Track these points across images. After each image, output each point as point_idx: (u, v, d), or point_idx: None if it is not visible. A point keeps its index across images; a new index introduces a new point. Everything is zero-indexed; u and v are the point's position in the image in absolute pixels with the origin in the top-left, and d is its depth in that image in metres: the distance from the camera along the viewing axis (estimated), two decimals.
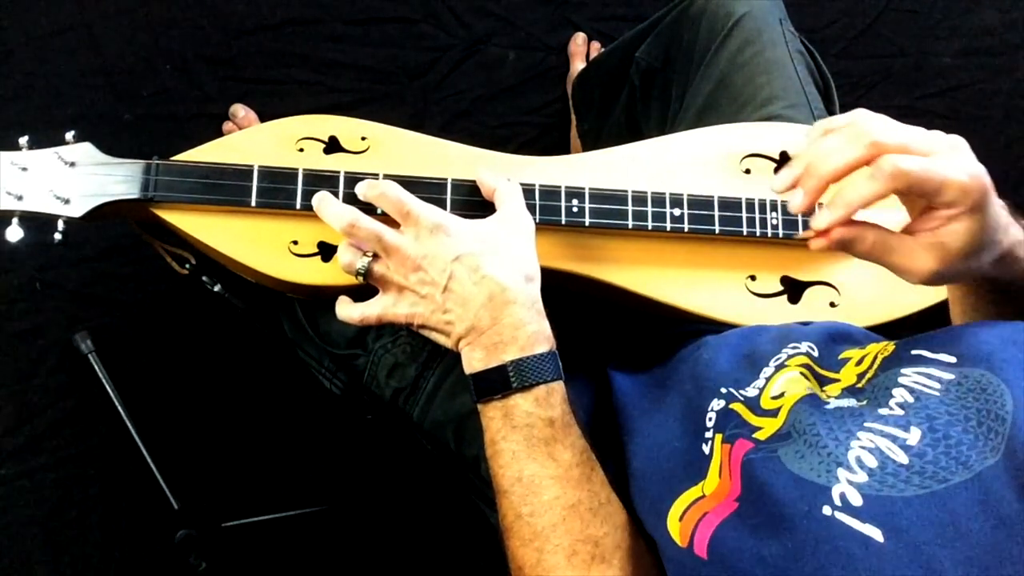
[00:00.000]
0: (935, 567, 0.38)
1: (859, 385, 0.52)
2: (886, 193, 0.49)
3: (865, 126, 0.50)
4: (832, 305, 0.79)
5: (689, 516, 0.50)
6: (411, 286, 0.64)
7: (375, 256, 0.66)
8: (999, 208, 0.51)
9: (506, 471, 0.59)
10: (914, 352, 0.50)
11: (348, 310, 0.68)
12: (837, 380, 0.55)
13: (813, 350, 0.60)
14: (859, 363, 0.55)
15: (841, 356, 0.59)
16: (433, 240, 0.64)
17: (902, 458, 0.43)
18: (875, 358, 0.53)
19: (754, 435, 0.51)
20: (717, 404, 0.57)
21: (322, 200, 0.69)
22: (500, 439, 0.60)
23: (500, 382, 0.61)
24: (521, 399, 0.60)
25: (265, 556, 1.17)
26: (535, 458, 0.59)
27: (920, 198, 0.50)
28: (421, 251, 0.64)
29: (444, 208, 0.73)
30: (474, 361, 0.62)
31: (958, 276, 0.52)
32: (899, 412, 0.46)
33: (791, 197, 0.51)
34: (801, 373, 0.55)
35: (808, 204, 0.51)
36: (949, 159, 0.50)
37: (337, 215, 0.67)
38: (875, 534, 0.40)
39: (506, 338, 0.61)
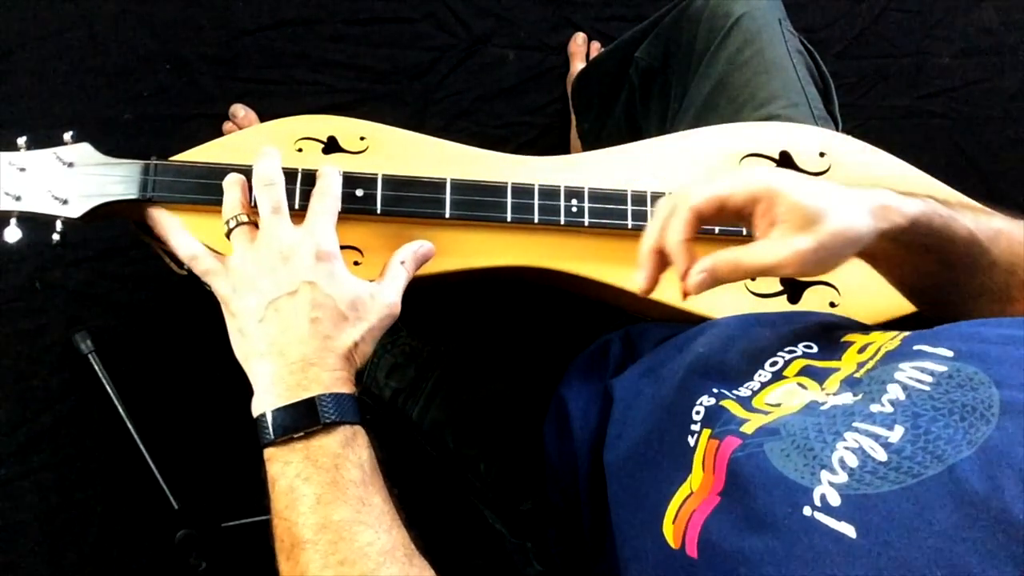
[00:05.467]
0: (903, 559, 0.38)
1: (857, 375, 0.52)
2: (687, 224, 0.55)
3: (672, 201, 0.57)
4: (832, 305, 0.79)
5: (681, 516, 0.50)
6: (252, 270, 0.61)
7: (254, 224, 0.63)
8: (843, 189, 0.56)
9: (308, 519, 0.53)
10: (916, 347, 0.51)
11: (182, 235, 0.66)
12: (837, 369, 0.55)
13: (811, 347, 0.59)
14: (861, 351, 0.55)
15: (844, 339, 0.58)
16: (307, 245, 0.61)
17: (881, 456, 0.43)
18: (878, 349, 0.54)
19: (742, 428, 0.51)
20: (707, 400, 0.57)
21: (263, 154, 0.66)
22: (301, 483, 0.55)
23: (306, 417, 0.56)
24: (328, 439, 0.56)
25: (265, 556, 1.17)
26: (346, 501, 0.54)
27: (735, 218, 0.56)
28: (288, 242, 0.61)
29: (444, 207, 0.73)
30: (273, 396, 0.57)
31: (844, 244, 0.54)
32: (888, 409, 0.46)
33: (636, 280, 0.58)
34: (799, 384, 0.55)
35: (644, 280, 0.58)
36: (725, 178, 0.55)
37: (267, 168, 0.64)
38: (848, 531, 0.40)
39: (310, 376, 0.58)
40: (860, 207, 0.54)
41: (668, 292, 0.78)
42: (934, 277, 0.61)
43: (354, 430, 0.58)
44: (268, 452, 0.57)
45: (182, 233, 0.67)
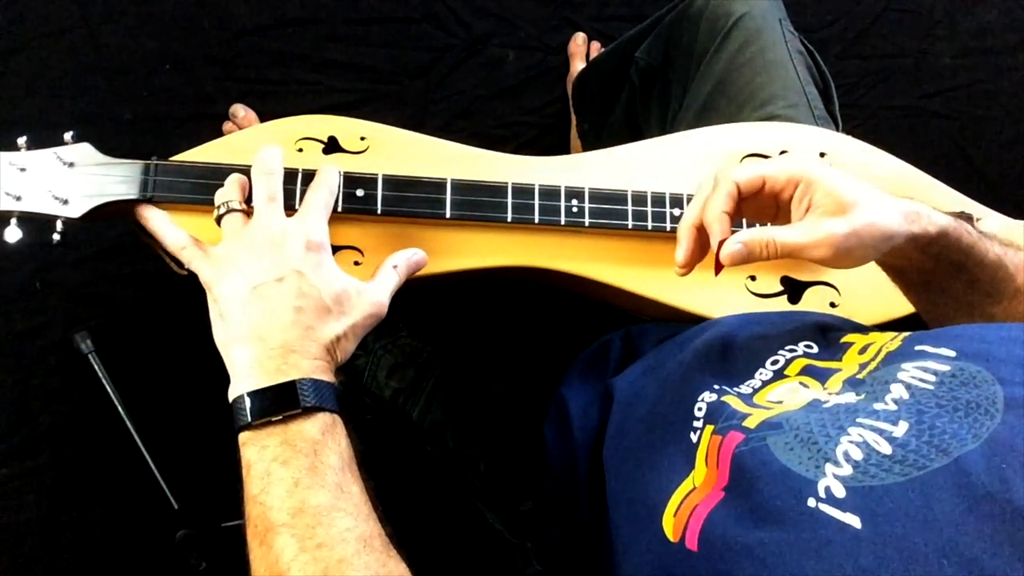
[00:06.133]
0: (910, 549, 0.38)
1: (860, 376, 0.52)
2: (730, 197, 0.57)
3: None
4: (832, 305, 0.79)
5: (682, 510, 0.50)
6: (240, 254, 0.61)
7: (246, 214, 0.64)
8: (878, 194, 0.57)
9: (284, 503, 0.52)
10: (917, 348, 0.51)
11: (168, 226, 0.67)
12: (839, 370, 0.55)
13: (811, 347, 0.60)
14: (862, 351, 0.55)
15: (843, 340, 0.59)
16: (298, 234, 0.61)
17: (886, 449, 0.43)
18: (879, 350, 0.54)
19: (744, 423, 0.51)
20: (709, 396, 0.57)
21: (266, 148, 0.66)
22: (279, 466, 0.54)
23: (284, 400, 0.56)
24: (306, 423, 0.56)
25: None
26: (324, 486, 0.53)
27: (772, 201, 0.59)
28: (279, 229, 0.61)
29: (445, 207, 0.73)
30: (251, 380, 0.57)
31: (871, 233, 0.56)
32: (892, 407, 0.46)
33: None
34: (801, 383, 0.56)
35: (683, 254, 0.60)
36: (765, 163, 0.59)
37: (268, 158, 0.65)
38: (853, 521, 0.41)
39: (291, 362, 0.58)
40: (894, 208, 0.56)
41: (669, 292, 0.78)
42: (959, 299, 0.61)
43: (333, 418, 0.58)
44: (244, 436, 0.57)
45: (168, 225, 0.67)
